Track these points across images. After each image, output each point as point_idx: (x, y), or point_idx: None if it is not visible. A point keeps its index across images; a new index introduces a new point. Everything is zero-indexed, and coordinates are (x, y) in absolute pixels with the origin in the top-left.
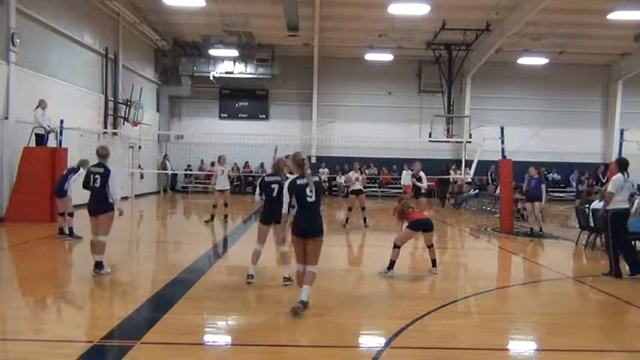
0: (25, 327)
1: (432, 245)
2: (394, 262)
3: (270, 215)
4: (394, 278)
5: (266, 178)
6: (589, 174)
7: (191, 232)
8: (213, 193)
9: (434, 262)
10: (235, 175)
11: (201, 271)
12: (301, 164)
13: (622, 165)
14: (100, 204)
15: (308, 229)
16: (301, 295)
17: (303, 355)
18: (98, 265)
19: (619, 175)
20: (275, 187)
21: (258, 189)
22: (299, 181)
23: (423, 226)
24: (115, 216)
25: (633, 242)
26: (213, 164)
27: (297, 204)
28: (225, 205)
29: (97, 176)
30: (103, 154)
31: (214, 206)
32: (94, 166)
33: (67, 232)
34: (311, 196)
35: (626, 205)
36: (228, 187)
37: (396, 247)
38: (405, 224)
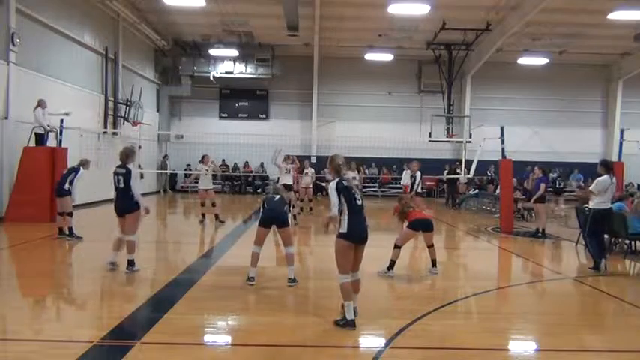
0: (25, 327)
1: (433, 245)
2: (394, 261)
3: (270, 217)
4: (394, 278)
5: (269, 196)
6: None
7: (191, 232)
8: (197, 192)
9: (434, 262)
10: (219, 174)
11: (201, 271)
12: (338, 169)
13: (607, 166)
14: (126, 204)
15: (365, 235)
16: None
17: (303, 355)
18: (131, 263)
19: (605, 177)
20: (277, 196)
21: (261, 206)
22: (345, 184)
23: (423, 226)
24: (142, 214)
25: (631, 242)
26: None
27: (347, 207)
28: (213, 205)
29: (119, 177)
30: (126, 154)
31: (202, 205)
32: (118, 167)
33: (67, 232)
34: (359, 199)
35: (608, 206)
36: (212, 187)
37: (397, 247)
38: (406, 224)
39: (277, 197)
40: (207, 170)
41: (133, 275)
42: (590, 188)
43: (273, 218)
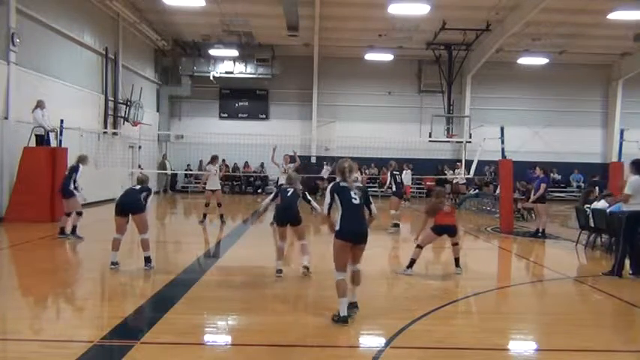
0: (25, 327)
1: (457, 243)
2: (415, 260)
3: (284, 217)
4: (395, 278)
5: (282, 187)
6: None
7: (191, 232)
8: (205, 193)
9: (457, 261)
10: (223, 175)
11: (202, 271)
12: (343, 171)
13: (638, 166)
14: (134, 204)
15: (360, 234)
16: (353, 297)
17: (303, 355)
18: (148, 260)
19: (637, 177)
20: (290, 190)
21: (273, 194)
22: (342, 184)
23: (446, 231)
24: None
25: None
26: (201, 163)
27: (341, 206)
28: (219, 205)
29: (144, 192)
30: (144, 179)
31: (207, 205)
32: (138, 189)
33: (70, 231)
34: (355, 199)
35: None
36: (220, 187)
37: (419, 247)
38: (430, 224)
39: (291, 191)
40: (216, 170)
41: (133, 275)
42: (625, 191)
43: (288, 217)
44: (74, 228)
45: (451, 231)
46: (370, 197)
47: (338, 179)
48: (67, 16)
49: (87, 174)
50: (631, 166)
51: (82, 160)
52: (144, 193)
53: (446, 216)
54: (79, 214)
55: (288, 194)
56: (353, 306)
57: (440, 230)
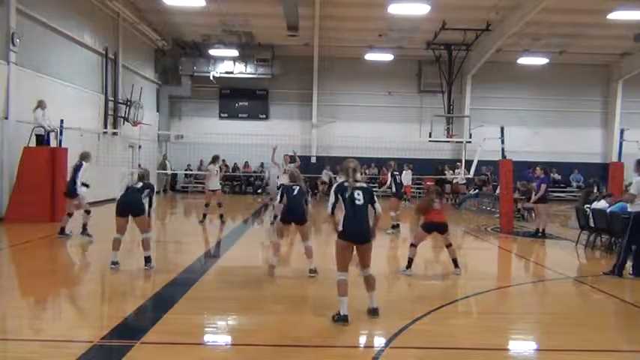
0: (25, 327)
1: (451, 244)
2: (412, 259)
3: (290, 216)
4: (394, 279)
5: (286, 185)
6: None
7: (191, 232)
8: (205, 193)
9: (455, 262)
10: (223, 175)
11: (202, 271)
12: (347, 172)
13: None
14: (135, 206)
15: (362, 234)
16: (372, 302)
17: (302, 355)
18: (148, 260)
19: None
20: (296, 188)
21: (279, 195)
22: (346, 184)
23: (436, 228)
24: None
25: None
26: (201, 163)
27: (345, 206)
28: (219, 205)
29: (146, 190)
30: (144, 174)
31: (207, 205)
32: (140, 186)
33: (81, 231)
34: (359, 199)
35: None
36: (220, 188)
37: (413, 245)
38: (421, 222)
39: (296, 189)
40: (217, 171)
41: (133, 275)
42: (631, 191)
43: (294, 216)
44: (84, 226)
45: (441, 228)
46: (375, 197)
47: (342, 179)
48: (67, 16)
49: (90, 168)
50: (635, 166)
51: (84, 157)
52: (146, 191)
53: (436, 214)
54: (88, 212)
55: (294, 193)
56: (374, 311)
57: (429, 227)
